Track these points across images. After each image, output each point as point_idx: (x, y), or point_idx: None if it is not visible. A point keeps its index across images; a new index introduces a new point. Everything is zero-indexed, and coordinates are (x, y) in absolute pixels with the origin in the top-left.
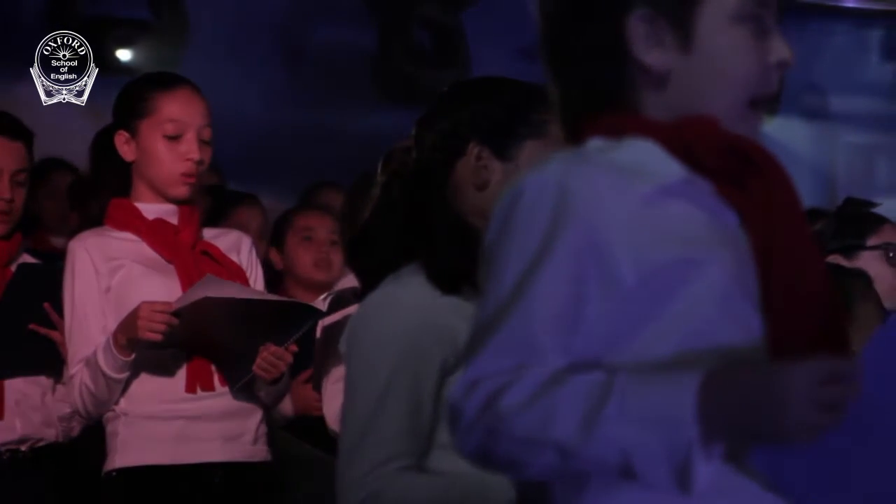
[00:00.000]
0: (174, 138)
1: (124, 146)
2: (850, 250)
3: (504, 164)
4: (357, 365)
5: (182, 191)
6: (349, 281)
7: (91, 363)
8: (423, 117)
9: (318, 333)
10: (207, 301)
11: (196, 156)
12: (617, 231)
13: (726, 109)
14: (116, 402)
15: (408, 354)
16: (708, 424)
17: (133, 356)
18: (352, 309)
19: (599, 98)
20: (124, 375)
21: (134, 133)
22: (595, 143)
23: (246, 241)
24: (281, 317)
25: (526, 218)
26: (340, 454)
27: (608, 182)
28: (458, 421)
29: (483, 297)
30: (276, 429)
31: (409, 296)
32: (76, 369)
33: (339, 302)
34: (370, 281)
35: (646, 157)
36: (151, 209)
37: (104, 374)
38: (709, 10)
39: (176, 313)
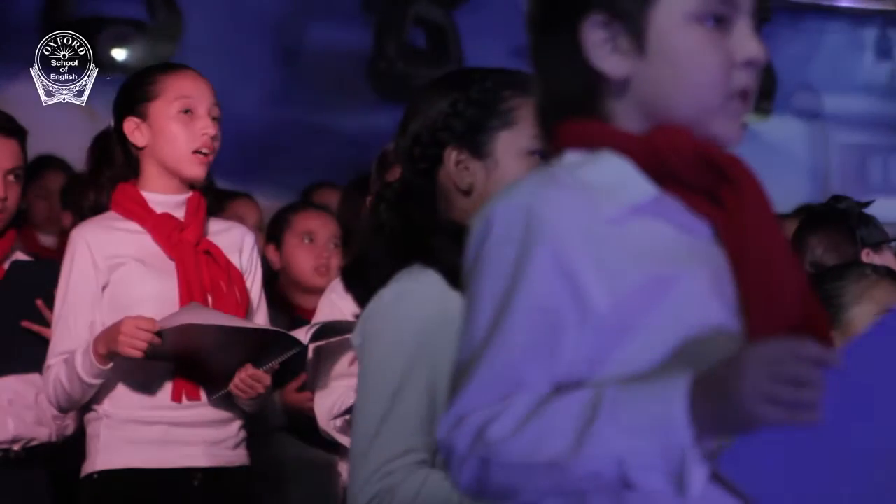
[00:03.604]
0: (187, 113)
1: (135, 132)
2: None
3: (483, 162)
4: (371, 358)
5: (197, 171)
6: (335, 311)
7: (69, 362)
8: (398, 130)
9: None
10: (192, 327)
11: (212, 131)
12: (587, 255)
13: (695, 110)
14: (99, 403)
15: (423, 347)
16: (699, 425)
17: (110, 365)
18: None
19: (567, 107)
20: (99, 381)
21: (144, 117)
22: (568, 159)
23: (248, 240)
24: (263, 341)
25: (496, 249)
26: (354, 447)
27: (576, 205)
28: (450, 457)
29: (462, 331)
30: (273, 430)
31: (423, 288)
32: (54, 361)
33: (323, 333)
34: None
35: (616, 175)
36: (159, 200)
37: (79, 378)
38: (662, 12)
39: (158, 333)
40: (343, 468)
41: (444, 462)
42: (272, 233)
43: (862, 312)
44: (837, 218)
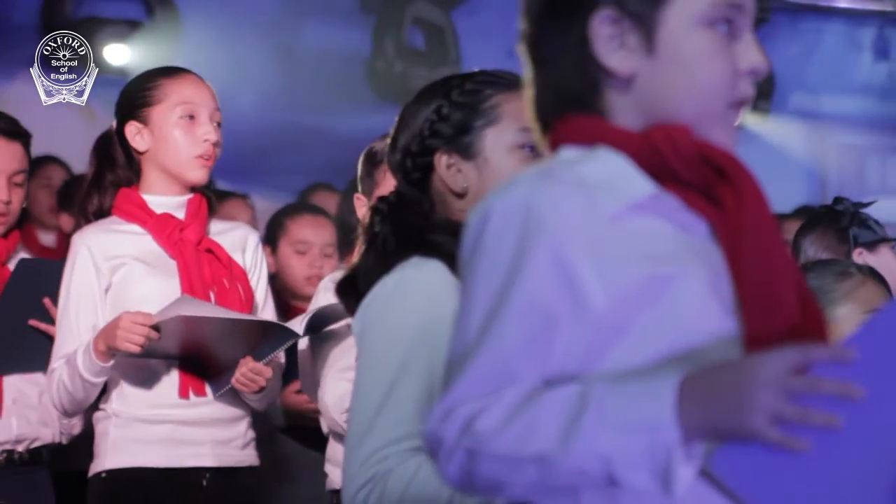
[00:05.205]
0: (189, 119)
1: (136, 137)
2: (871, 245)
3: (473, 162)
4: (372, 345)
5: (199, 175)
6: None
7: (70, 362)
8: (389, 146)
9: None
10: (188, 319)
11: (214, 137)
12: (584, 252)
13: (697, 114)
14: (107, 401)
15: (424, 335)
16: (687, 425)
17: (111, 362)
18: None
19: (567, 100)
20: (101, 380)
21: (146, 122)
22: (565, 155)
23: (252, 239)
24: (260, 333)
25: (493, 243)
26: (350, 433)
27: (574, 202)
28: (437, 448)
29: (456, 325)
30: (274, 432)
31: (425, 277)
32: (57, 364)
33: (317, 322)
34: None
35: (614, 172)
36: (160, 202)
37: (81, 376)
38: (674, 13)
39: (155, 327)
40: (329, 469)
41: (431, 454)
42: (269, 235)
43: (849, 312)
44: (831, 218)
